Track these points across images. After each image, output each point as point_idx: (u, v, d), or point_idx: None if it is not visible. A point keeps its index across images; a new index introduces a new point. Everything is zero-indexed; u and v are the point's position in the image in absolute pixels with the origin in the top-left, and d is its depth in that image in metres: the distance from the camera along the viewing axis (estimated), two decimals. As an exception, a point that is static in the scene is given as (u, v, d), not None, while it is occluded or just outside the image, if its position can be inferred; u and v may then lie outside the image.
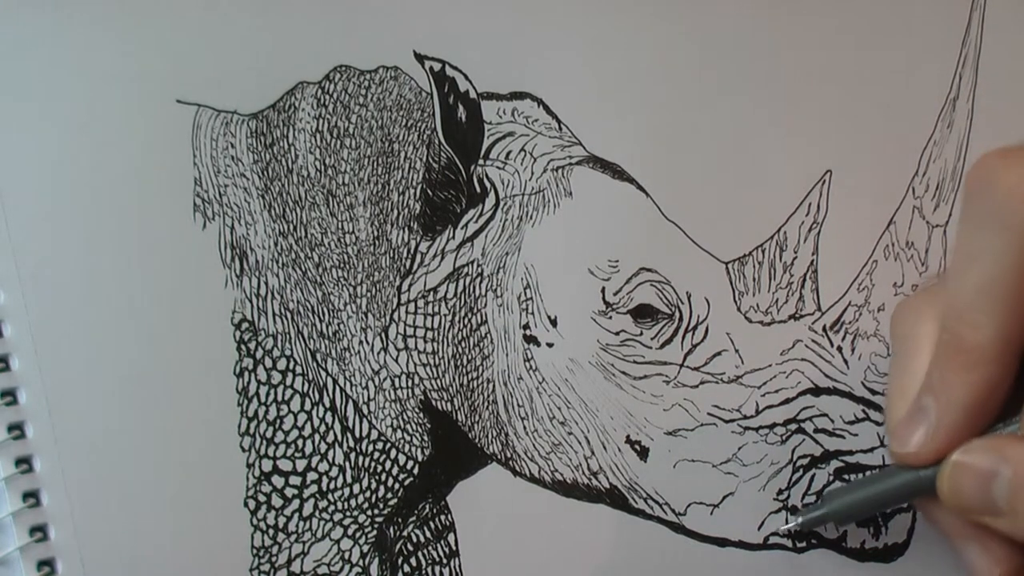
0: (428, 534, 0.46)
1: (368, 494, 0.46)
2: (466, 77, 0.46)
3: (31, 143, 0.42)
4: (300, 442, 0.45)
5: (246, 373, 0.44)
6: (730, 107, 0.49)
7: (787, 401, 0.48)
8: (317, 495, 0.45)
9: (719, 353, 0.48)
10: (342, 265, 0.46)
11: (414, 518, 0.46)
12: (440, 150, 0.46)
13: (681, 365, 0.48)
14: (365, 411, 0.46)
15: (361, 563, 0.46)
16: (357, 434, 0.46)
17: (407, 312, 0.46)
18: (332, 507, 0.45)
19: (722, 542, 0.48)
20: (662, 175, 0.48)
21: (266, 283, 0.45)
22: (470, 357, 0.47)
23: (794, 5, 0.49)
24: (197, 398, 0.44)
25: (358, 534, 0.46)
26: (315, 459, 0.45)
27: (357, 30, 0.45)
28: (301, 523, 0.45)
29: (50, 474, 0.42)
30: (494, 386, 0.47)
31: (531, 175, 0.47)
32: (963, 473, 0.40)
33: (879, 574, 0.49)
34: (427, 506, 0.46)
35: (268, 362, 0.45)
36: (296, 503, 0.45)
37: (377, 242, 0.46)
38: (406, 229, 0.46)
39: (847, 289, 0.49)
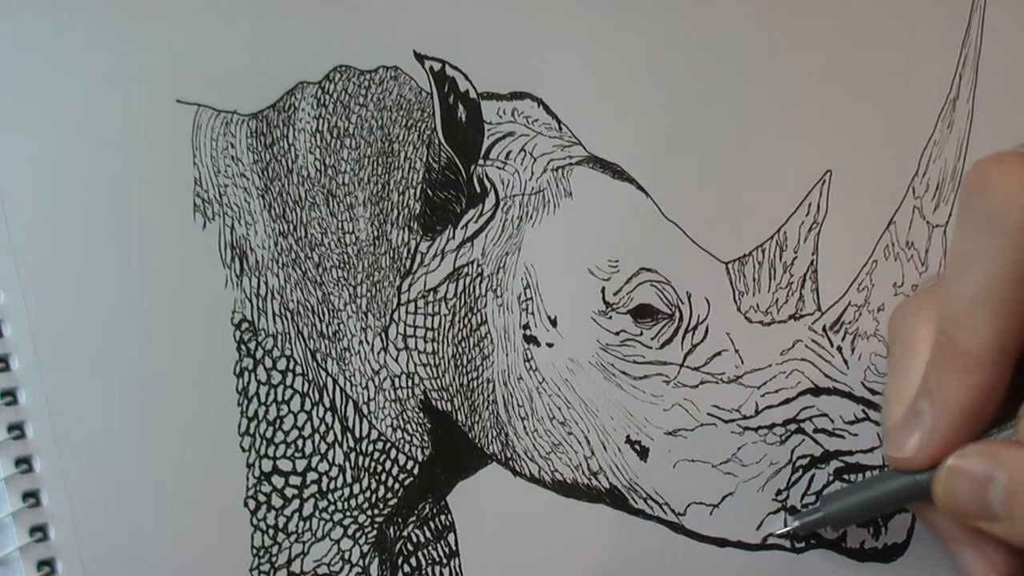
0: (428, 534, 0.46)
1: (368, 494, 0.46)
2: (466, 77, 0.46)
3: (31, 143, 0.42)
4: (300, 442, 0.45)
5: (246, 373, 0.44)
6: (730, 107, 0.49)
7: (787, 401, 0.48)
8: (317, 495, 0.45)
9: (719, 353, 0.48)
10: (342, 265, 0.46)
11: (414, 518, 0.46)
12: (440, 150, 0.46)
13: (681, 365, 0.48)
14: (365, 411, 0.46)
15: (361, 563, 0.46)
16: (357, 434, 0.46)
17: (407, 312, 0.46)
18: (332, 507, 0.45)
19: (721, 542, 0.48)
20: (662, 175, 0.48)
21: (266, 283, 0.45)
22: (470, 357, 0.47)
23: (794, 5, 0.49)
24: (197, 398, 0.44)
25: (358, 534, 0.46)
26: (315, 459, 0.45)
27: (357, 30, 0.45)
28: (301, 523, 0.45)
29: (50, 474, 0.43)
30: (494, 386, 0.47)
31: (531, 175, 0.47)
32: (958, 478, 0.40)
33: (878, 574, 0.49)
34: (427, 506, 0.46)
35: (268, 362, 0.45)
36: (296, 503, 0.45)
37: (377, 242, 0.46)
38: (406, 229, 0.46)
39: (847, 289, 0.49)
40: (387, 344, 0.46)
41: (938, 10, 0.51)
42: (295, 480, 0.45)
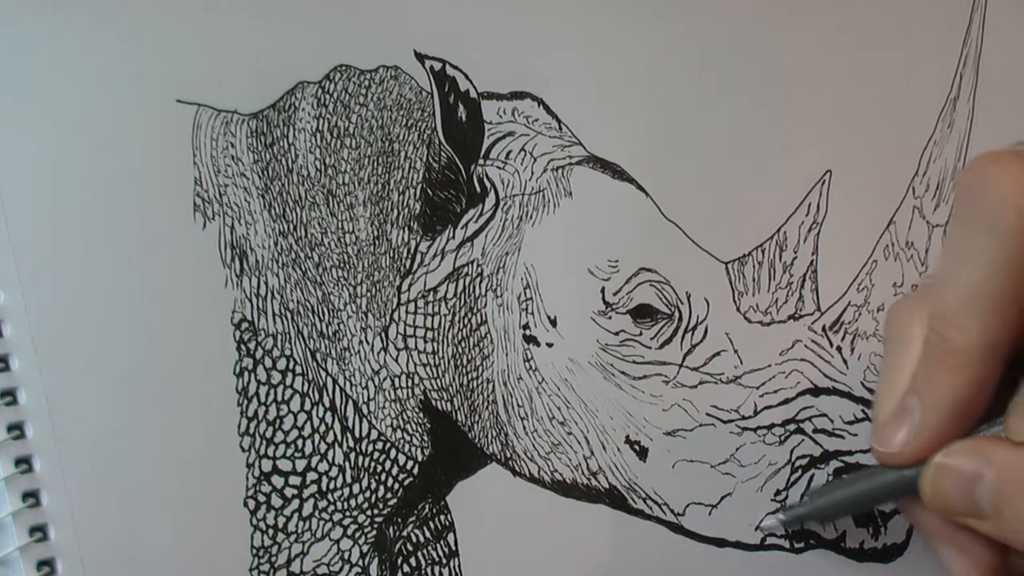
0: (428, 534, 0.46)
1: (368, 494, 0.46)
2: (466, 77, 0.46)
3: (31, 143, 0.42)
4: (300, 442, 0.45)
5: (246, 373, 0.44)
6: (730, 107, 0.49)
7: (786, 401, 0.48)
8: (317, 495, 0.45)
9: (718, 353, 0.48)
10: (342, 265, 0.46)
11: (414, 518, 0.46)
12: (440, 150, 0.46)
13: (680, 365, 0.48)
14: (365, 411, 0.46)
15: (361, 563, 0.46)
16: (357, 434, 0.46)
17: (407, 312, 0.46)
18: (332, 507, 0.45)
19: (720, 542, 0.48)
20: (662, 175, 0.48)
21: (266, 283, 0.45)
22: (470, 357, 0.47)
23: (794, 5, 0.49)
24: (197, 398, 0.44)
25: (358, 534, 0.46)
26: (315, 459, 0.45)
27: (357, 30, 0.45)
28: (301, 523, 0.45)
29: (50, 474, 0.43)
30: (494, 386, 0.47)
31: (531, 175, 0.47)
32: (946, 475, 0.40)
33: (878, 574, 0.49)
34: (427, 506, 0.47)
35: (268, 362, 0.45)
36: (296, 503, 0.45)
37: (377, 242, 0.46)
38: (406, 229, 0.46)
39: (847, 289, 0.49)
40: (387, 344, 0.46)
41: (938, 10, 0.51)
42: (295, 480, 0.45)
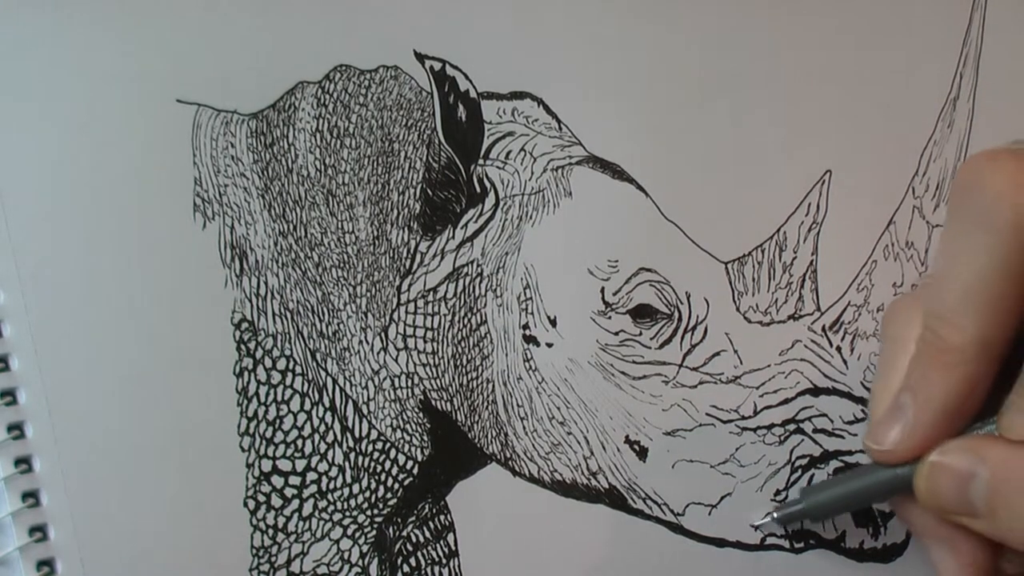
0: (427, 534, 0.47)
1: (368, 494, 0.46)
2: (466, 76, 0.46)
3: (31, 143, 0.42)
4: (300, 442, 0.45)
5: (246, 373, 0.44)
6: (730, 107, 0.49)
7: (786, 401, 0.48)
8: (317, 495, 0.45)
9: (718, 353, 0.48)
10: (342, 265, 0.46)
11: (413, 518, 0.46)
12: (440, 150, 0.46)
13: (680, 365, 0.48)
14: (365, 411, 0.46)
15: (360, 563, 0.46)
16: (357, 434, 0.46)
17: (407, 312, 0.46)
18: (331, 507, 0.45)
19: (720, 542, 0.48)
20: (662, 175, 0.48)
21: (266, 283, 0.45)
22: (470, 357, 0.47)
23: (794, 5, 0.49)
24: (197, 398, 0.44)
25: (357, 534, 0.46)
26: (315, 459, 0.45)
27: (357, 30, 0.45)
28: (301, 523, 0.45)
29: (50, 474, 0.43)
30: (493, 386, 0.47)
31: (531, 175, 0.47)
32: (940, 473, 0.40)
33: (878, 574, 0.49)
34: (426, 506, 0.47)
35: (268, 362, 0.45)
36: (296, 503, 0.45)
37: (377, 242, 0.46)
38: (406, 229, 0.46)
39: (846, 289, 0.49)
40: (387, 344, 0.46)
41: (938, 10, 0.51)
42: (295, 480, 0.45)
